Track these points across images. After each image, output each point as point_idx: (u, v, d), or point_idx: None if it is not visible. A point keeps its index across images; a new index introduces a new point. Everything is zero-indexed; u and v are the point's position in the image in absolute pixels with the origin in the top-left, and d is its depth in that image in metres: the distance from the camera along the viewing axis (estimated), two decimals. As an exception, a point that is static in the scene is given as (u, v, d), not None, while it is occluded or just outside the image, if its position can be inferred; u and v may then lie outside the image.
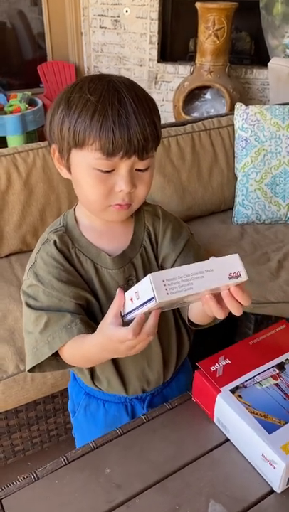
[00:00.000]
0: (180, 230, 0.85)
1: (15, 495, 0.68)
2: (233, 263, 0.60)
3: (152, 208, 0.86)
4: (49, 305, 0.76)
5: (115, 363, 0.85)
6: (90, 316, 0.79)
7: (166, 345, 0.88)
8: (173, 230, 0.84)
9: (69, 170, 0.74)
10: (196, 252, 0.85)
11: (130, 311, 0.63)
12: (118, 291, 0.65)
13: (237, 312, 0.62)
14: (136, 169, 0.70)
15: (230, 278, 0.59)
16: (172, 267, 0.83)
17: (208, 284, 0.58)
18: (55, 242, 0.78)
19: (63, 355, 0.77)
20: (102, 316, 0.77)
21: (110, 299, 0.79)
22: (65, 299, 0.76)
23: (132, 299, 0.62)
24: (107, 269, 0.80)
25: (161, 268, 0.84)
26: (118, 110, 0.64)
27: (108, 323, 0.64)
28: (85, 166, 0.69)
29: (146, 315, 0.61)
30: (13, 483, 0.70)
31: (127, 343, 0.61)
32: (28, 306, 0.77)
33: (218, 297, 0.62)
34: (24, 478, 0.70)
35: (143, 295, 0.58)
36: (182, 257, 0.83)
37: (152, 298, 0.56)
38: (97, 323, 0.76)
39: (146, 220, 0.84)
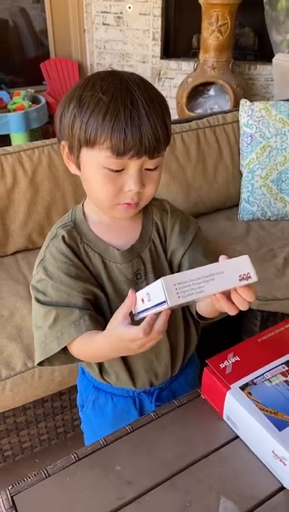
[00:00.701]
0: (188, 224, 0.86)
1: (26, 492, 0.68)
2: (243, 264, 0.60)
3: (160, 202, 0.86)
4: (58, 300, 0.77)
5: (123, 356, 0.85)
6: (97, 311, 0.80)
7: (174, 339, 0.88)
8: (181, 224, 0.85)
9: (78, 167, 0.74)
10: (204, 246, 0.85)
11: (141, 311, 0.63)
12: (130, 292, 0.65)
13: (243, 307, 0.64)
14: (145, 168, 0.70)
15: (240, 279, 0.60)
16: (181, 261, 0.84)
17: (219, 287, 0.59)
18: (63, 237, 0.79)
19: (71, 350, 0.77)
20: (110, 311, 0.79)
21: (118, 293, 0.80)
22: (73, 294, 0.77)
23: (143, 300, 0.63)
24: (115, 264, 0.80)
25: (169, 262, 0.85)
26: (130, 111, 0.65)
27: (118, 323, 0.65)
28: (95, 165, 0.70)
29: (157, 314, 0.62)
30: (24, 480, 0.70)
31: (137, 342, 0.62)
32: (38, 301, 0.78)
33: (227, 294, 0.63)
34: (35, 475, 0.70)
35: (154, 297, 0.59)
36: (191, 251, 0.83)
37: (164, 301, 0.57)
38: (105, 317, 0.78)
39: (155, 215, 0.85)
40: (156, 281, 0.59)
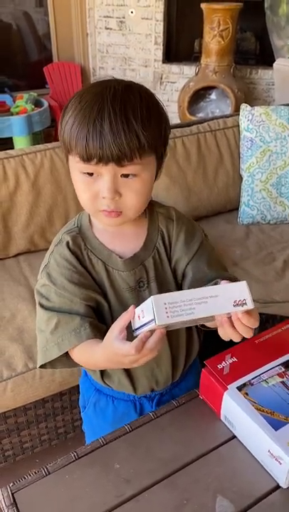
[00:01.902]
0: (194, 232, 0.86)
1: (26, 489, 0.70)
2: (239, 290, 0.59)
3: (166, 210, 0.86)
4: (60, 306, 0.78)
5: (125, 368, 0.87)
6: (100, 317, 0.81)
7: (175, 346, 0.89)
8: (187, 232, 0.84)
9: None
10: (209, 255, 0.85)
11: (138, 328, 0.64)
12: (131, 307, 0.66)
13: (247, 335, 0.65)
14: (122, 175, 0.70)
15: (235, 305, 0.59)
16: (185, 270, 0.84)
17: (211, 310, 0.58)
18: (68, 244, 0.80)
19: (72, 356, 0.79)
20: (112, 318, 0.81)
21: (121, 300, 0.82)
22: (76, 301, 0.78)
23: (139, 316, 0.63)
24: (118, 271, 0.81)
25: (173, 271, 0.85)
26: (94, 119, 0.66)
27: (114, 337, 0.66)
28: (75, 170, 0.72)
29: (152, 331, 0.62)
30: (24, 478, 0.71)
31: (130, 358, 0.64)
32: (41, 306, 0.80)
33: (231, 320, 0.64)
34: (35, 472, 0.72)
35: (147, 315, 0.60)
36: (195, 260, 0.83)
37: (152, 320, 0.57)
38: (107, 324, 0.79)
39: (160, 223, 0.84)
40: (148, 299, 0.59)
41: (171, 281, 0.85)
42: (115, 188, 0.70)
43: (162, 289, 0.84)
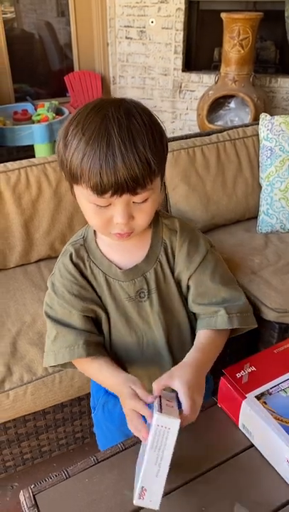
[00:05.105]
0: (197, 244, 0.85)
1: (47, 491, 0.71)
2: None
3: (170, 221, 0.86)
4: (62, 316, 0.84)
5: (129, 372, 0.90)
6: (99, 326, 0.86)
7: (180, 354, 0.88)
8: (190, 244, 0.84)
9: (75, 197, 0.77)
10: (212, 268, 0.85)
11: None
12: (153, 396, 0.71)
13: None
14: (134, 202, 0.71)
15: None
16: (188, 283, 0.85)
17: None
18: (71, 255, 0.83)
19: (76, 365, 0.86)
20: (110, 328, 0.86)
21: (120, 310, 0.85)
22: (74, 312, 0.83)
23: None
24: (118, 281, 0.83)
25: (177, 282, 0.86)
26: (106, 154, 0.65)
27: (129, 398, 0.72)
28: (84, 199, 0.72)
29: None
30: (45, 480, 0.73)
31: (126, 408, 0.72)
32: (46, 314, 0.86)
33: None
34: (56, 475, 0.73)
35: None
36: (197, 273, 0.84)
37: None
38: (105, 333, 0.87)
39: (164, 234, 0.84)
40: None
41: (175, 293, 0.86)
42: (129, 214, 0.71)
43: (164, 300, 0.86)
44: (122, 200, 0.69)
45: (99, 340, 0.85)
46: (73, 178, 0.70)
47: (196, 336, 0.85)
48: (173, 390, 0.71)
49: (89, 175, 0.66)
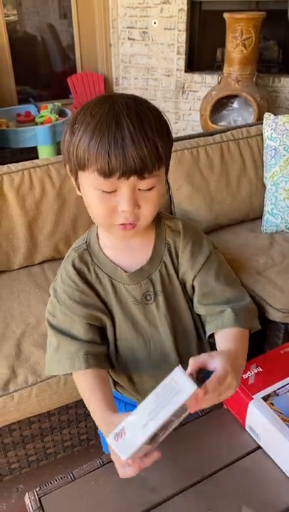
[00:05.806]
0: (201, 245, 0.85)
1: (53, 494, 0.71)
2: (177, 381, 0.57)
3: (174, 222, 0.85)
4: (64, 324, 0.82)
5: (133, 378, 0.90)
6: (103, 333, 0.85)
7: (186, 357, 0.88)
8: (193, 245, 0.84)
9: (79, 188, 0.76)
10: (217, 269, 0.84)
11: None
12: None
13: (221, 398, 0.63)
14: (139, 189, 0.70)
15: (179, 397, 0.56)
16: (193, 284, 0.84)
17: (165, 415, 0.56)
18: (73, 261, 0.83)
19: (73, 376, 0.84)
20: (115, 332, 0.85)
21: (126, 313, 0.84)
22: (76, 319, 0.81)
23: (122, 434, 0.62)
24: (124, 285, 0.82)
25: (182, 283, 0.85)
26: (114, 133, 0.65)
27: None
28: (89, 186, 0.71)
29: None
30: (50, 483, 0.73)
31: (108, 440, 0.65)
32: (49, 323, 0.84)
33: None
34: (61, 478, 0.73)
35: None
36: (201, 274, 0.83)
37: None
38: (110, 339, 0.85)
39: (168, 235, 0.84)
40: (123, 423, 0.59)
41: (180, 294, 0.86)
42: (135, 201, 0.70)
43: (170, 302, 0.85)
44: (128, 184, 0.68)
45: (101, 351, 0.83)
46: (80, 164, 0.69)
47: (217, 338, 0.81)
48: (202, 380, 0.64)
49: (96, 156, 0.66)
